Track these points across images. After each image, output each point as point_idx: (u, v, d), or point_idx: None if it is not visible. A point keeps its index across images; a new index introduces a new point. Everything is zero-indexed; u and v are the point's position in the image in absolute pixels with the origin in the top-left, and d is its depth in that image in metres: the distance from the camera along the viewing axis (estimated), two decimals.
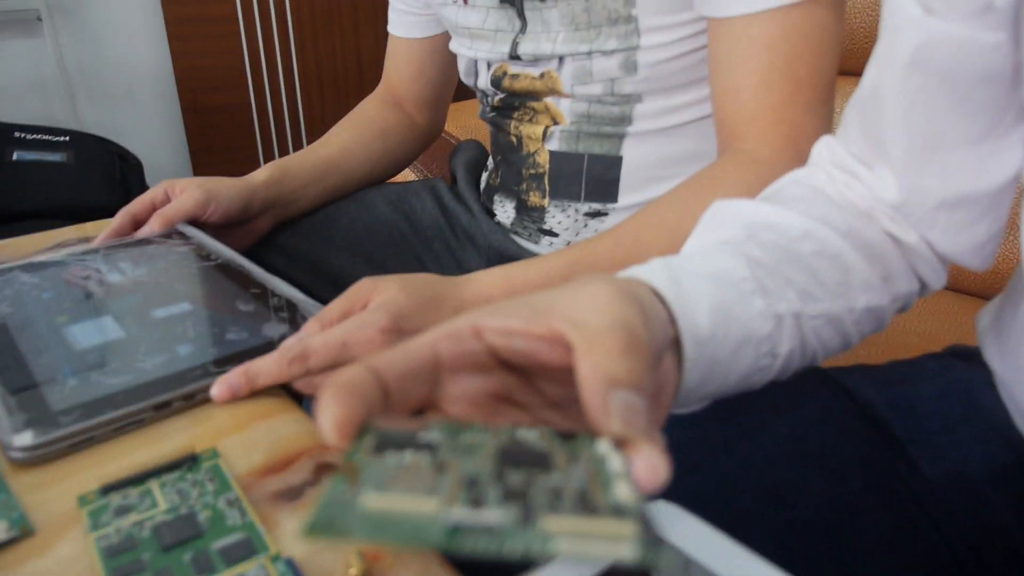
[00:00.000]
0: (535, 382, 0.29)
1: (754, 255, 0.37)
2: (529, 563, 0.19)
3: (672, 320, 0.32)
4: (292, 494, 0.36)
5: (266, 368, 0.43)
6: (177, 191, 0.67)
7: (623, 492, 0.20)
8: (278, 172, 0.74)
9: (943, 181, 0.39)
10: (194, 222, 0.67)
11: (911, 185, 0.40)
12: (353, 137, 0.83)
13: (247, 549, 0.32)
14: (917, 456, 0.41)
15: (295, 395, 0.46)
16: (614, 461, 0.21)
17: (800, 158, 0.49)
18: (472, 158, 0.88)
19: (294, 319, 0.50)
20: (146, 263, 0.60)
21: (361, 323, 0.46)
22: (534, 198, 0.73)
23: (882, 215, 0.42)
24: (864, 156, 0.43)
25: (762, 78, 0.54)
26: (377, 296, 0.48)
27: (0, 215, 1.50)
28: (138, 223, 0.66)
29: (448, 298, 0.51)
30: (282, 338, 0.47)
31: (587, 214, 0.70)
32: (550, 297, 0.28)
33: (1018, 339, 0.41)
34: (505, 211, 0.77)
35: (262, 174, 0.73)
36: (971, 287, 1.00)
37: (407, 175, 1.23)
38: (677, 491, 0.23)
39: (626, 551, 0.18)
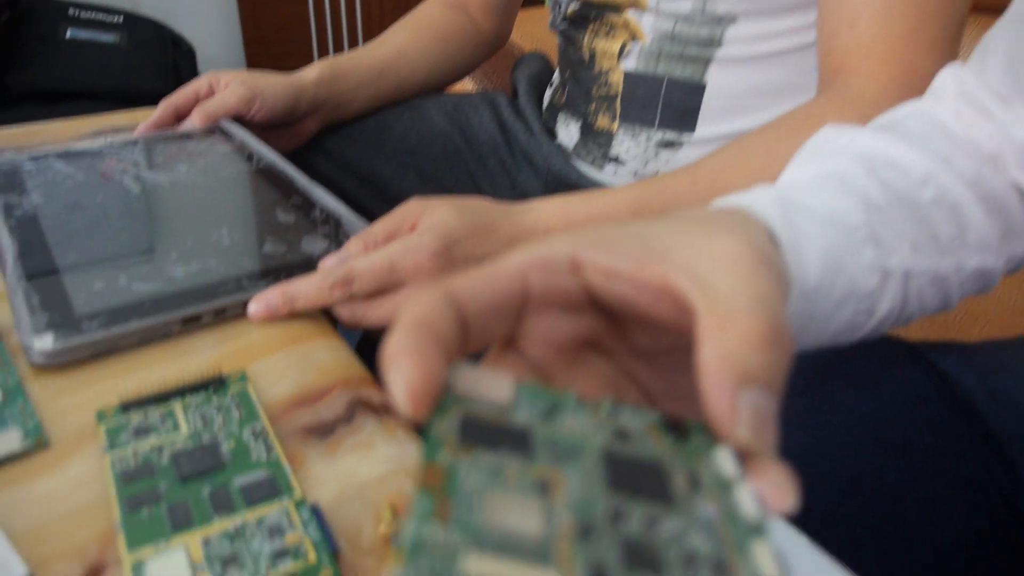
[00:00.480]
0: (625, 327, 0.25)
1: (872, 196, 0.32)
2: None
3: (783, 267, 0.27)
4: (323, 431, 0.34)
5: (306, 290, 0.40)
6: (222, 85, 0.63)
7: (765, 566, 0.16)
8: (329, 72, 0.69)
9: None
10: (238, 120, 0.63)
11: None
12: (411, 39, 0.77)
13: (270, 489, 0.30)
14: (1019, 459, 0.36)
15: (332, 318, 0.42)
16: (746, 502, 0.17)
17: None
18: (536, 72, 0.82)
19: (336, 235, 0.47)
20: (185, 160, 0.56)
21: (409, 246, 0.42)
22: (602, 121, 0.67)
23: (1012, 161, 0.36)
24: (1004, 91, 0.36)
25: (883, 7, 0.47)
26: (427, 218, 0.44)
27: (50, 94, 1.48)
28: (180, 116, 0.63)
29: (503, 226, 0.47)
30: (322, 255, 0.44)
31: (659, 143, 0.64)
32: (666, 235, 0.23)
33: None
34: (569, 132, 0.72)
35: (312, 73, 0.68)
36: None
37: (465, 85, 1.16)
38: None
39: None
